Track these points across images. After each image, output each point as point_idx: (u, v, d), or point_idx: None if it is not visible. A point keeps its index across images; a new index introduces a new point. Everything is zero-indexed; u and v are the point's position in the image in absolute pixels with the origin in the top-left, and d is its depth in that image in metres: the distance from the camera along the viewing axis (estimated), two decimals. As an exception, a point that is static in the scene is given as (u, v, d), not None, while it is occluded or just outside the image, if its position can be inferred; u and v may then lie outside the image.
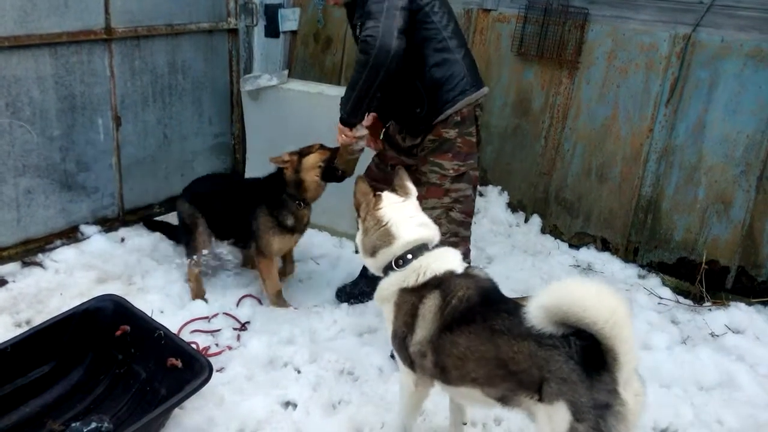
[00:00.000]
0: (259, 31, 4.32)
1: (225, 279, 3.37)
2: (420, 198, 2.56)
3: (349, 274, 3.43)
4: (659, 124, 3.58)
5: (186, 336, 2.78)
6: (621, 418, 1.58)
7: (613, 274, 3.64)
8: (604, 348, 1.57)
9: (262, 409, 2.40)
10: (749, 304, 3.30)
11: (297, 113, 4.06)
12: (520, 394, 1.73)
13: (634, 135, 3.67)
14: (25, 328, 2.68)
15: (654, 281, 3.57)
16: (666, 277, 3.61)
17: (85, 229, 3.61)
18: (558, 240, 3.98)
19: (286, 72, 4.26)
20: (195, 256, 3.12)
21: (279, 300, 3.09)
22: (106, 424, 2.13)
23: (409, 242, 1.96)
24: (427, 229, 2.03)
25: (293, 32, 4.66)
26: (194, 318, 2.94)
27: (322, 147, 2.95)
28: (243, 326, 2.97)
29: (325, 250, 3.71)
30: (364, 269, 3.32)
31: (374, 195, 2.06)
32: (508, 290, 3.23)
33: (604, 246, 3.87)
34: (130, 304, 2.56)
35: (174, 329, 2.72)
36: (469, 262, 2.64)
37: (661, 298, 3.40)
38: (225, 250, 3.38)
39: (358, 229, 2.08)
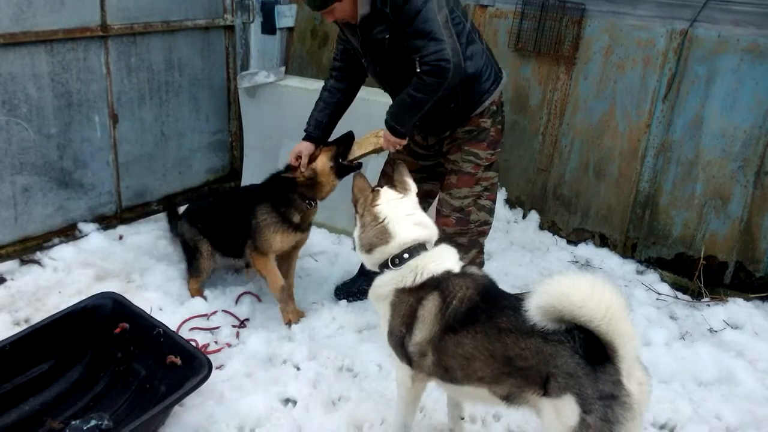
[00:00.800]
0: (255, 28, 4.31)
1: (224, 277, 3.36)
2: (451, 187, 2.64)
3: (348, 271, 3.43)
4: (657, 119, 3.58)
5: (185, 333, 2.78)
6: (627, 407, 1.61)
7: (612, 270, 3.65)
8: (604, 342, 1.60)
9: (261, 406, 2.40)
10: (747, 299, 3.32)
11: (294, 110, 4.04)
12: (526, 391, 1.74)
13: (631, 131, 3.67)
14: (23, 327, 2.68)
15: (652, 277, 3.58)
16: (664, 273, 3.62)
17: (83, 226, 3.60)
18: (556, 236, 3.98)
19: (283, 69, 4.25)
20: (197, 278, 3.10)
21: (283, 297, 2.96)
22: (105, 422, 2.13)
23: (405, 242, 1.94)
24: (425, 229, 2.00)
25: (290, 29, 4.65)
26: (193, 315, 2.94)
27: (324, 147, 2.86)
28: (242, 323, 2.97)
29: (323, 247, 3.71)
30: (363, 266, 3.32)
31: (372, 191, 2.06)
32: (506, 286, 3.21)
33: (603, 242, 3.88)
34: (129, 301, 2.56)
35: (173, 327, 2.72)
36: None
37: (659, 293, 3.41)
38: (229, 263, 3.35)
39: (355, 224, 2.07)
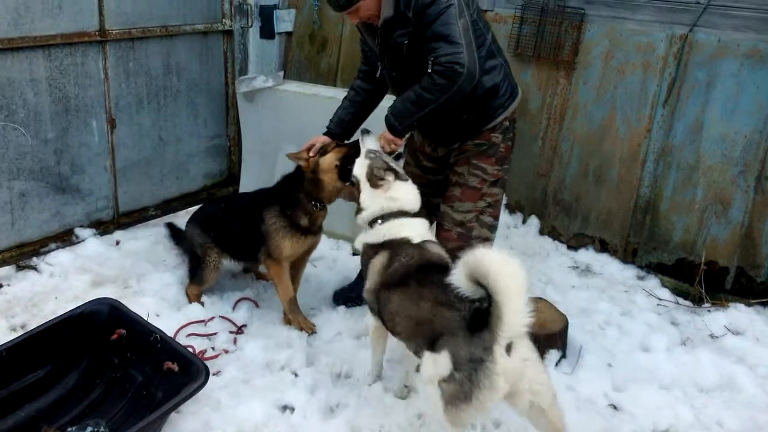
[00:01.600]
0: (254, 33, 4.31)
1: (222, 282, 3.34)
2: (454, 200, 2.65)
3: (346, 276, 3.41)
4: (657, 124, 3.58)
5: (182, 339, 2.76)
6: (489, 373, 1.83)
7: (612, 276, 3.63)
8: (493, 305, 1.79)
9: (259, 412, 2.38)
10: (749, 305, 3.30)
11: (292, 115, 4.04)
12: (424, 348, 2.04)
13: (631, 135, 3.66)
14: (20, 332, 2.67)
15: (653, 282, 3.56)
16: (665, 278, 3.60)
17: (80, 232, 3.59)
18: (556, 241, 3.97)
19: (281, 73, 4.25)
20: (199, 285, 3.05)
21: (293, 308, 2.93)
22: (102, 429, 2.11)
23: (376, 212, 2.31)
24: (397, 201, 2.32)
25: (288, 33, 4.65)
26: (190, 321, 2.92)
27: (338, 145, 2.77)
28: (239, 330, 2.95)
29: (322, 252, 3.68)
30: (361, 272, 3.30)
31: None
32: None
33: (603, 247, 3.86)
34: (126, 307, 2.54)
35: (170, 333, 2.69)
36: None
37: (660, 299, 3.39)
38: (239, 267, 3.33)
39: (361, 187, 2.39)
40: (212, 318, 2.98)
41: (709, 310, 3.29)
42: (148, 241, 3.69)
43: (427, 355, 2.01)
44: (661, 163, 3.60)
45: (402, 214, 2.30)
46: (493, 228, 2.70)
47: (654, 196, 3.66)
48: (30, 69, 3.22)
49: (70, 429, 2.13)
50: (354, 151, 2.65)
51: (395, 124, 2.46)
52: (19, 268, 3.30)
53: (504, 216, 4.08)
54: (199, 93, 4.11)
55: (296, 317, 2.93)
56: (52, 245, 3.47)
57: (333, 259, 3.63)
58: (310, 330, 2.93)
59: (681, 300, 3.41)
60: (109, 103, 3.61)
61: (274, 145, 4.17)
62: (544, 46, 3.79)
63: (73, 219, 3.59)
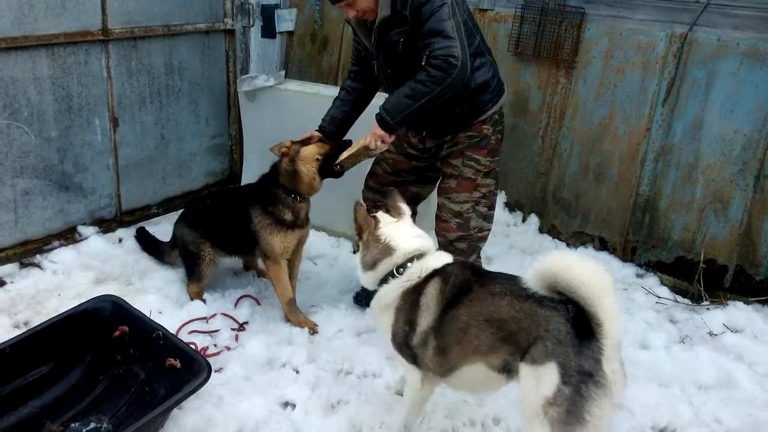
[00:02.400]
0: (255, 32, 4.32)
1: (223, 280, 3.36)
2: (450, 191, 2.69)
3: (346, 274, 3.43)
4: (656, 123, 3.59)
5: (184, 336, 2.78)
6: (601, 387, 1.67)
7: (611, 273, 3.63)
8: (589, 315, 1.67)
9: (260, 409, 2.40)
10: (747, 303, 3.31)
11: (294, 114, 4.05)
12: (518, 359, 1.79)
13: (631, 134, 3.68)
14: (23, 329, 2.68)
15: (652, 280, 3.58)
16: (664, 277, 3.62)
17: (83, 230, 3.61)
18: (556, 240, 3.98)
19: (282, 72, 4.26)
20: (198, 282, 3.07)
21: (292, 309, 2.94)
22: (105, 425, 2.13)
23: (408, 251, 2.10)
24: (425, 240, 2.16)
25: (290, 33, 4.67)
26: (193, 318, 2.94)
27: (322, 140, 2.80)
28: (241, 327, 2.97)
29: (322, 250, 3.71)
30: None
31: (372, 217, 2.20)
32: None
33: (602, 245, 3.88)
34: (129, 304, 2.56)
35: (172, 330, 2.72)
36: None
37: (659, 297, 3.41)
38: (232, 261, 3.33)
39: (357, 249, 2.22)
40: (214, 315, 3.00)
41: (708, 308, 3.30)
42: (151, 239, 3.70)
43: (525, 371, 1.75)
44: (661, 162, 3.62)
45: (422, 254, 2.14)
46: (488, 218, 2.75)
47: (653, 195, 3.67)
48: (33, 68, 3.24)
49: (73, 425, 2.15)
50: (338, 149, 2.72)
51: (387, 118, 2.48)
52: (23, 265, 3.32)
53: (504, 214, 4.11)
54: (201, 92, 4.13)
55: (296, 317, 2.94)
56: (55, 243, 3.49)
57: (334, 257, 3.65)
58: (312, 329, 2.94)
59: (680, 298, 3.42)
60: (111, 102, 3.63)
61: (275, 143, 4.18)
62: (544, 45, 3.81)
63: (76, 217, 3.61)
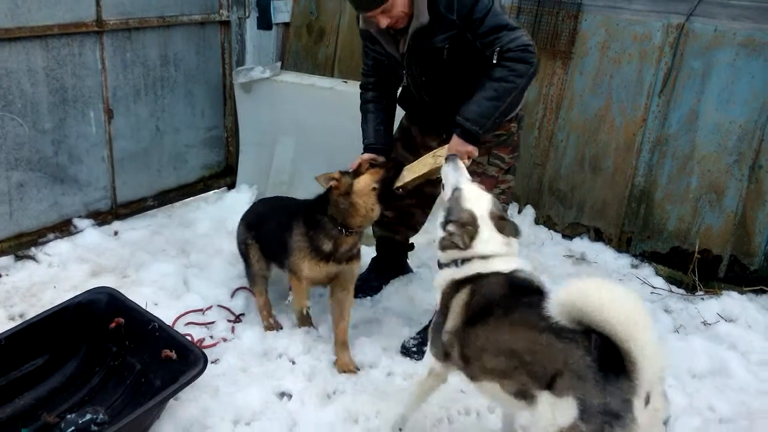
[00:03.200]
0: (251, 23, 4.30)
1: (219, 271, 3.36)
2: None
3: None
4: (652, 114, 3.59)
5: (180, 328, 2.78)
6: (627, 430, 1.50)
7: (606, 264, 3.66)
8: (623, 351, 1.49)
9: (257, 399, 2.41)
10: (741, 292, 3.33)
11: (290, 105, 4.05)
12: (533, 388, 1.69)
13: (627, 125, 3.67)
14: (18, 322, 2.68)
15: (647, 271, 3.59)
16: (659, 267, 3.63)
17: (78, 222, 3.60)
18: (551, 230, 3.99)
19: (278, 64, 4.25)
20: (255, 286, 2.92)
21: (300, 318, 2.85)
22: (101, 416, 2.13)
23: (481, 254, 1.96)
24: (501, 245, 1.99)
25: (286, 24, 4.64)
26: (189, 310, 2.94)
27: (372, 166, 2.53)
28: (237, 318, 2.97)
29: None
30: (374, 263, 3.28)
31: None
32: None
33: (598, 236, 3.89)
34: (124, 296, 2.56)
35: (168, 322, 2.71)
36: None
37: (654, 287, 3.42)
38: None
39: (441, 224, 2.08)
40: (210, 307, 3.00)
41: (703, 298, 3.32)
42: (147, 231, 3.70)
43: (544, 398, 1.64)
44: (657, 153, 3.62)
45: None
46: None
47: (649, 186, 3.67)
48: (27, 59, 3.21)
49: (69, 416, 2.15)
50: (394, 172, 2.47)
51: (474, 128, 2.30)
52: (18, 258, 3.32)
53: (500, 206, 4.11)
54: (197, 84, 4.11)
55: (302, 324, 2.86)
56: (51, 235, 3.48)
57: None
58: (350, 369, 2.67)
59: (674, 288, 3.44)
60: (106, 94, 3.61)
61: (271, 136, 4.18)
62: (541, 36, 3.79)
63: (71, 209, 3.60)
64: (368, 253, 3.27)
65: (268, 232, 2.87)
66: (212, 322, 2.90)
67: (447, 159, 2.18)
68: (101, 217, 3.72)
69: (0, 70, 3.12)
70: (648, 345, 1.49)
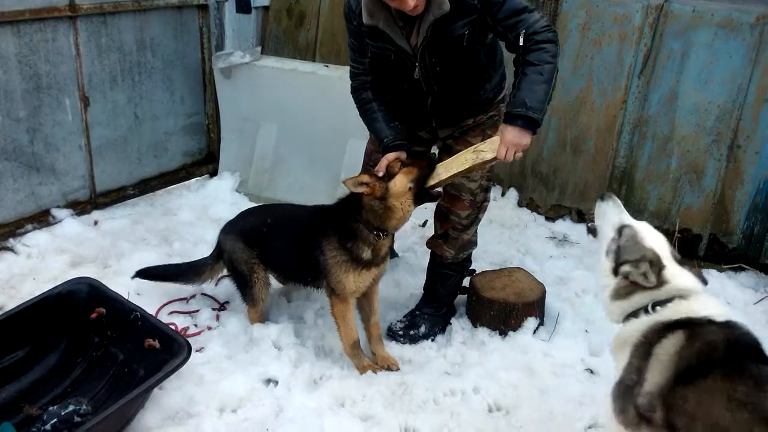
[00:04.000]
0: (230, 7, 4.23)
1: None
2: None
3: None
4: (632, 95, 3.61)
5: (164, 318, 2.76)
6: None
7: (589, 245, 3.68)
8: None
9: (242, 386, 2.41)
10: (721, 270, 3.39)
11: (271, 91, 4.00)
12: None
13: (608, 107, 3.69)
14: (-3, 314, 2.63)
15: (628, 251, 3.63)
16: (640, 247, 3.67)
17: (57, 212, 3.54)
18: (534, 213, 4.02)
19: (259, 49, 4.19)
20: (255, 306, 2.76)
21: (355, 352, 2.58)
22: (84, 407, 2.11)
23: (679, 289, 1.73)
24: (696, 279, 1.78)
25: (265, 8, 4.57)
26: (172, 299, 2.92)
27: (404, 165, 2.40)
28: (222, 306, 2.96)
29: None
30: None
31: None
32: (485, 264, 3.30)
33: (580, 217, 3.92)
34: (105, 286, 2.53)
35: (152, 311, 2.69)
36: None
37: (635, 267, 3.46)
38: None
39: (607, 267, 1.83)
40: (194, 296, 2.98)
41: (683, 277, 3.37)
42: (128, 220, 3.66)
43: None
44: (637, 134, 3.65)
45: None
46: (488, 190, 2.76)
47: (629, 167, 3.71)
48: (-3, 46, 3.13)
49: (51, 408, 2.13)
50: (428, 170, 2.37)
51: (536, 116, 2.21)
52: (-4, 250, 3.26)
53: (484, 189, 4.12)
54: (175, 69, 4.03)
55: (360, 362, 2.59)
56: (29, 226, 3.42)
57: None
58: (378, 370, 2.59)
59: (656, 268, 3.48)
60: (81, 80, 3.53)
61: (253, 122, 4.14)
62: (522, 18, 3.78)
63: (49, 199, 3.53)
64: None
65: (282, 250, 2.68)
66: (196, 311, 2.89)
67: (603, 197, 1.92)
68: (80, 207, 3.66)
69: (-30, 57, 3.04)
70: None
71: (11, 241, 3.32)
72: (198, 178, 4.32)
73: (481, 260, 3.32)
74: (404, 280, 3.24)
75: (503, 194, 4.13)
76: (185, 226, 3.65)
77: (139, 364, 2.32)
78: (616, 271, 1.78)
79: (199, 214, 3.79)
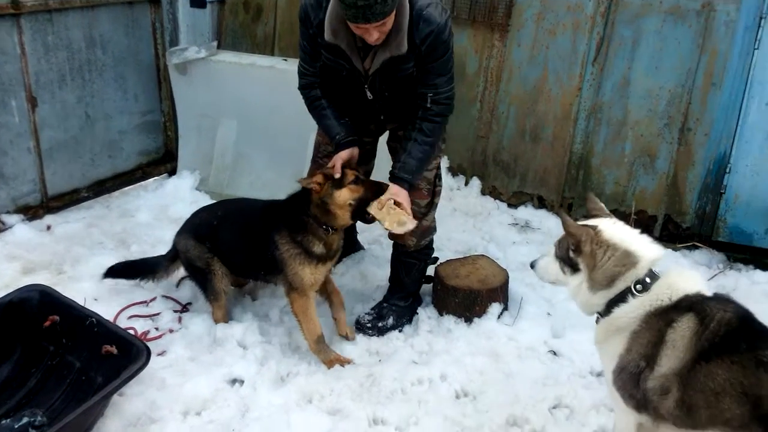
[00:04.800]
0: (183, 1, 4.12)
1: (163, 261, 3.26)
2: None
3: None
4: (587, 82, 3.68)
5: (123, 322, 2.70)
6: None
7: (550, 230, 3.76)
8: None
9: (206, 388, 2.37)
10: (676, 249, 3.51)
11: (229, 86, 3.93)
12: None
13: (564, 95, 3.76)
14: (-56, 327, 2.52)
15: (588, 235, 3.71)
16: (599, 230, 3.76)
17: (6, 218, 3.40)
18: (497, 200, 4.07)
19: (215, 43, 4.10)
20: (218, 302, 2.73)
21: (320, 347, 2.58)
22: (39, 418, 2.05)
23: (653, 260, 1.76)
24: (659, 247, 1.81)
25: (221, 1, 4.47)
26: (131, 303, 2.84)
27: (357, 180, 2.47)
28: (184, 308, 2.90)
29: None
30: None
31: (584, 226, 1.83)
32: (450, 252, 3.32)
33: (541, 203, 3.99)
34: (58, 293, 2.45)
35: (110, 316, 2.63)
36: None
37: (595, 250, 3.54)
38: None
39: (572, 271, 1.84)
40: (154, 298, 2.92)
41: (640, 258, 3.47)
42: (82, 224, 3.54)
43: None
44: (592, 120, 3.72)
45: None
46: (440, 177, 2.80)
47: (586, 152, 3.79)
48: (-67, 46, 2.98)
49: (4, 421, 2.05)
50: (372, 194, 2.45)
51: (416, 180, 2.58)
52: (-59, 259, 3.11)
53: (447, 178, 4.14)
54: (128, 66, 3.92)
55: (326, 356, 2.58)
56: (-23, 234, 3.29)
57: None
58: (346, 363, 2.60)
59: (614, 250, 3.57)
60: (28, 80, 3.39)
61: (212, 118, 4.05)
62: (478, 10, 3.81)
63: (-3, 205, 3.40)
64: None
65: (234, 245, 2.69)
66: (157, 314, 2.82)
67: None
68: (31, 212, 3.53)
69: None
70: None
71: (-42, 250, 3.18)
72: (156, 177, 4.21)
73: (446, 249, 3.34)
74: (370, 272, 3.23)
75: (466, 183, 4.16)
76: (143, 227, 3.56)
77: (97, 372, 2.25)
78: (573, 266, 1.83)
79: (158, 214, 3.70)
